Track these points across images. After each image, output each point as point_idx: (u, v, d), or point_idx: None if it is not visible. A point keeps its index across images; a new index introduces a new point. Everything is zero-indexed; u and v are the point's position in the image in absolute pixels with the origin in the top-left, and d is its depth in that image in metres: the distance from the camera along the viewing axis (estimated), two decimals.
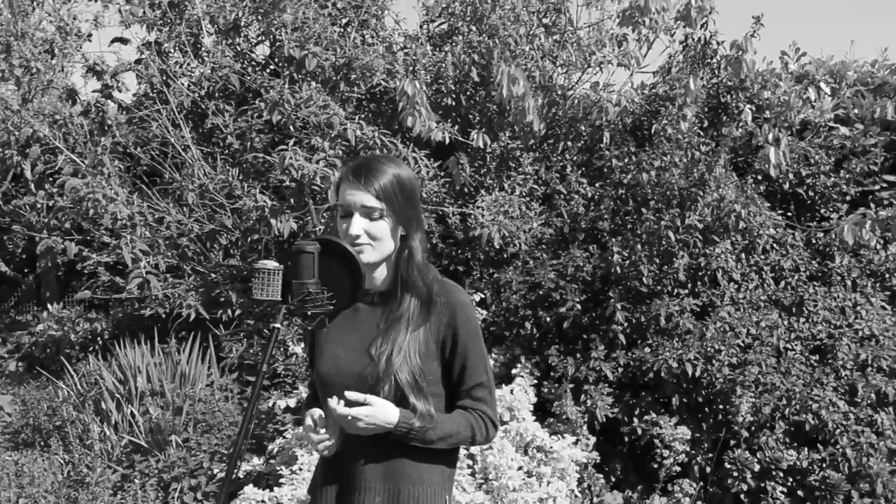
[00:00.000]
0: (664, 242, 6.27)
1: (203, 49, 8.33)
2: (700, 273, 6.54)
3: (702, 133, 7.10)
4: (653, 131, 6.92)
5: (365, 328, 2.73)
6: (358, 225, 2.64)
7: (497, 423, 2.79)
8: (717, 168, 6.31)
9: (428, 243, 2.83)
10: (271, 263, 6.43)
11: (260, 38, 8.49)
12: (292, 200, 7.28)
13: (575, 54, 7.62)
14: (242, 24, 8.03)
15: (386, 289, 2.74)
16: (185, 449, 6.41)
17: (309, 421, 2.72)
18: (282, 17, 7.47)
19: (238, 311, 7.46)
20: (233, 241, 7.80)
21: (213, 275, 7.63)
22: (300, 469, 5.58)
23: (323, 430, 2.70)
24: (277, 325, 2.52)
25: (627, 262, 6.34)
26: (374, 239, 2.65)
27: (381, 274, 2.74)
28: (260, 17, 7.63)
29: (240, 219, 7.60)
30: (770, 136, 7.24)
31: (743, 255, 6.72)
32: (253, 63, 8.53)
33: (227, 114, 8.09)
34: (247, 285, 7.65)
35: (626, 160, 6.69)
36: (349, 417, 2.57)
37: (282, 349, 7.15)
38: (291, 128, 7.22)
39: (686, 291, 6.51)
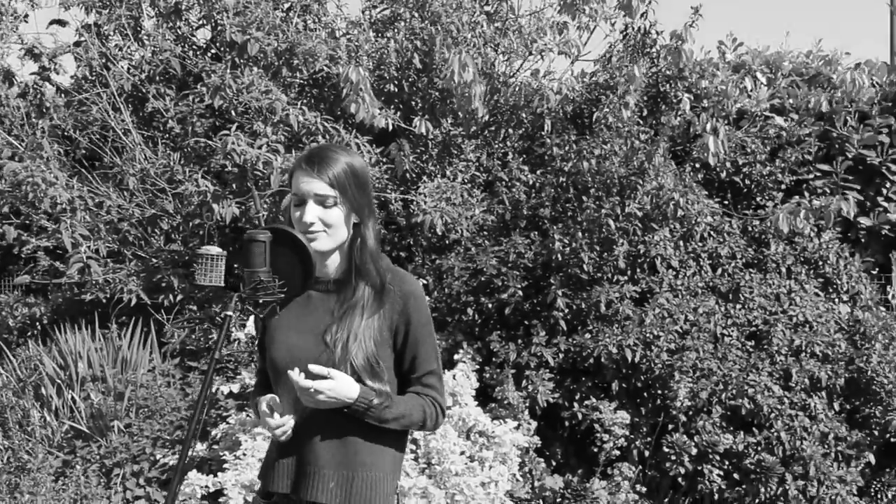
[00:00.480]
0: (605, 230, 6.36)
1: (143, 32, 8.26)
2: (639, 260, 6.64)
3: (641, 122, 7.19)
4: (594, 119, 7.00)
5: (319, 315, 2.76)
6: (312, 212, 2.67)
7: (445, 410, 2.85)
8: (656, 157, 6.41)
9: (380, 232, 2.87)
10: (214, 249, 6.43)
11: (201, 22, 8.43)
12: (234, 185, 7.27)
13: (517, 42, 7.68)
14: (184, 7, 7.96)
15: (340, 276, 2.78)
16: (127, 435, 6.39)
17: (264, 406, 2.75)
18: (223, 0, 7.43)
19: (180, 297, 7.44)
20: (174, 225, 7.76)
21: (154, 260, 7.59)
22: (244, 454, 5.59)
23: (278, 415, 2.72)
24: (230, 313, 2.54)
25: (568, 249, 6.42)
26: (327, 226, 2.68)
27: (334, 262, 2.78)
28: (202, 1, 7.58)
29: (181, 203, 7.56)
30: (708, 126, 7.37)
31: (681, 243, 6.84)
32: (194, 47, 8.48)
33: (168, 98, 8.02)
34: (188, 270, 7.62)
35: (566, 148, 6.75)
36: (311, 390, 2.59)
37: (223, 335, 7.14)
38: (233, 112, 7.20)
39: (626, 278, 6.61)
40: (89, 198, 7.41)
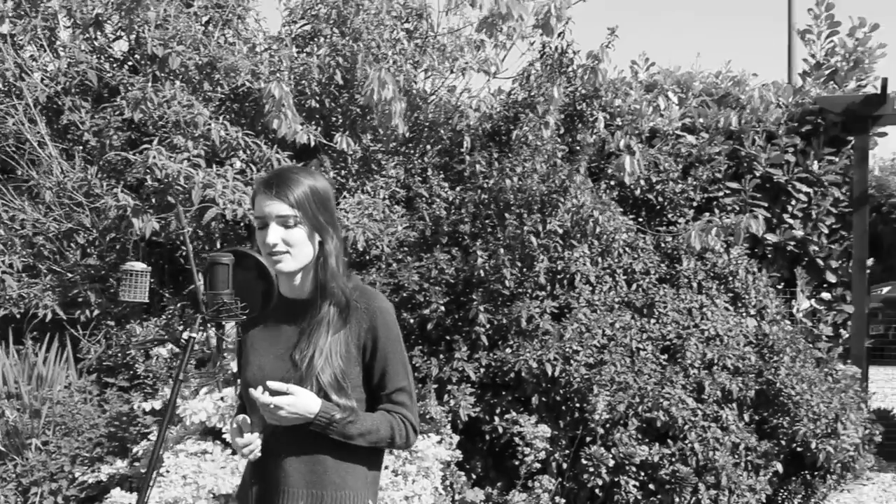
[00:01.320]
0: (527, 247, 6.48)
1: (59, 43, 8.17)
2: (559, 276, 6.77)
3: (559, 139, 7.33)
4: (513, 137, 7.12)
5: (288, 335, 2.81)
6: (275, 234, 2.72)
7: (417, 428, 2.88)
8: (577, 175, 6.55)
9: (344, 250, 2.92)
10: (138, 265, 6.40)
11: (118, 34, 8.37)
12: (154, 200, 7.23)
13: (437, 59, 7.76)
14: (104, 18, 7.90)
15: (308, 297, 2.82)
16: (44, 452, 6.31)
17: (234, 426, 2.78)
18: (145, 14, 7.40)
19: (97, 312, 7.36)
20: (90, 240, 7.68)
21: (69, 274, 7.51)
22: (167, 471, 5.58)
23: (248, 435, 2.76)
24: (193, 335, 2.57)
25: (489, 265, 6.53)
26: (291, 246, 2.73)
27: (302, 282, 2.82)
28: (122, 14, 7.52)
29: (98, 217, 7.50)
30: (622, 143, 7.56)
31: (599, 259, 6.99)
32: (111, 59, 8.41)
33: (84, 110, 7.96)
34: (105, 285, 7.56)
35: (489, 166, 6.86)
36: (271, 406, 2.64)
37: (141, 352, 7.11)
38: (151, 126, 7.17)
39: (545, 294, 6.74)
40: (3, 211, 7.31)
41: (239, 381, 2.67)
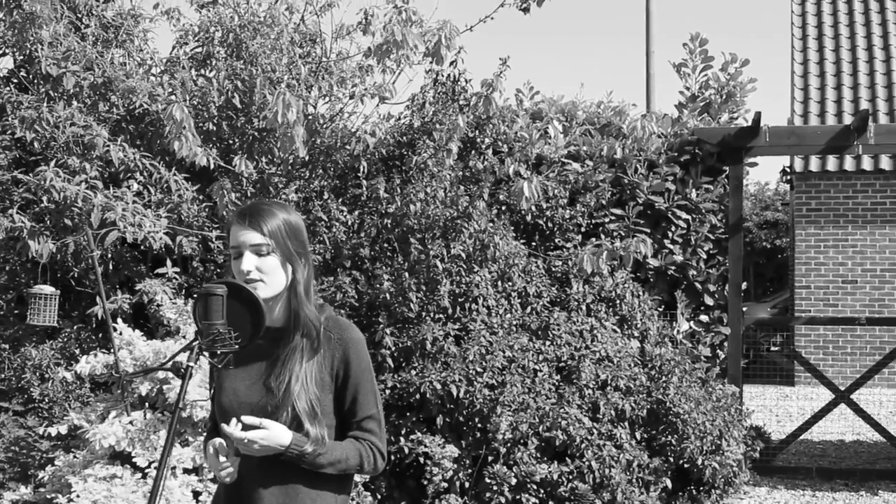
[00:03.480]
0: (431, 270, 6.62)
1: None
2: (460, 299, 6.93)
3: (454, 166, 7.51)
4: (413, 163, 7.26)
5: (261, 362, 2.89)
6: (249, 262, 2.83)
7: (384, 454, 2.99)
8: (480, 202, 6.73)
9: (314, 281, 3.01)
10: (47, 288, 6.32)
11: (4, 52, 8.21)
12: (48, 221, 7.12)
13: (333, 84, 7.85)
14: None
15: (280, 325, 2.91)
16: None
17: (211, 450, 2.84)
18: (39, 32, 7.29)
19: None
20: None
21: None
22: (77, 496, 5.51)
23: (224, 458, 2.82)
24: (191, 364, 2.62)
25: (394, 288, 6.65)
26: (264, 274, 2.84)
27: (276, 311, 2.91)
28: (15, 31, 7.39)
29: None
30: (511, 170, 7.79)
31: (498, 283, 7.18)
32: None
33: None
34: None
35: (392, 192, 6.99)
36: (245, 441, 2.72)
37: (37, 374, 6.98)
38: (38, 146, 7.07)
39: (447, 316, 6.89)
40: None
41: (180, 407, 2.72)
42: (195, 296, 2.71)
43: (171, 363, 2.65)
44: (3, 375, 7.11)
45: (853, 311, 15.39)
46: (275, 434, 2.77)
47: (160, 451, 5.72)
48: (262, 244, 2.83)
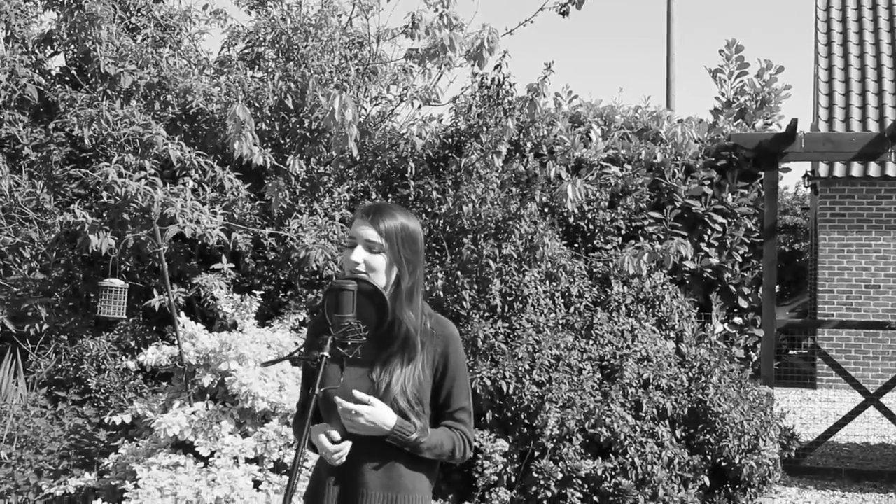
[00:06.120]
0: (483, 269, 6.80)
1: None
2: (509, 298, 7.11)
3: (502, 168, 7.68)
4: (461, 165, 7.44)
5: (365, 355, 3.07)
6: (359, 255, 3.02)
7: (473, 444, 3.21)
8: (532, 204, 6.91)
9: (421, 289, 3.19)
10: (117, 282, 6.52)
11: (57, 50, 8.41)
12: (106, 216, 7.31)
13: (387, 86, 8.04)
14: (55, 37, 7.95)
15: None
16: (9, 466, 6.34)
17: (322, 436, 3.01)
18: (98, 32, 7.48)
19: (46, 326, 7.39)
20: (35, 254, 7.70)
21: (15, 288, 7.51)
22: (144, 483, 5.70)
23: (338, 443, 3.01)
24: (325, 354, 2.80)
25: (448, 286, 6.83)
26: (370, 270, 3.02)
27: None
28: (75, 31, 7.58)
29: (44, 231, 7.55)
30: (552, 173, 7.97)
31: (547, 283, 7.36)
32: (49, 74, 8.44)
33: (21, 124, 7.99)
34: (51, 300, 7.59)
35: (443, 192, 7.17)
36: (353, 412, 2.92)
37: (94, 365, 7.17)
38: (91, 143, 7.26)
39: (497, 315, 7.07)
40: None
41: (317, 394, 2.90)
42: (325, 290, 2.89)
43: (303, 353, 2.83)
44: (60, 366, 7.30)
45: (875, 316, 15.53)
46: (380, 412, 2.97)
47: (221, 440, 5.92)
48: (375, 242, 3.02)
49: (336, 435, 3.00)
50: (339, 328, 2.82)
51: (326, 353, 2.80)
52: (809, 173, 16.64)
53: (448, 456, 3.14)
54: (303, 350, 3.04)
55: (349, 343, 2.83)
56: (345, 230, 7.41)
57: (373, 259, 3.03)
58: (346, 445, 3.00)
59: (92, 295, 7.92)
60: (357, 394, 2.97)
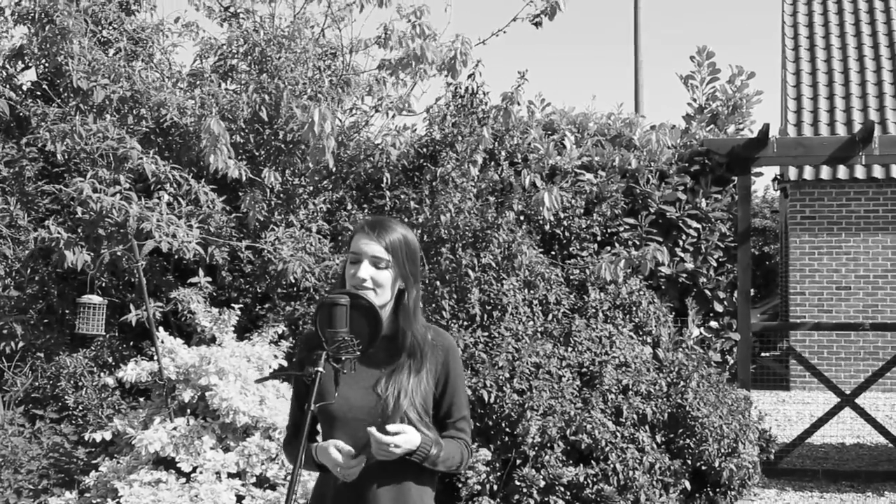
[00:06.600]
0: (462, 279, 6.81)
1: None
2: (488, 307, 7.12)
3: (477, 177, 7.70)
4: (437, 175, 7.45)
5: (371, 371, 3.08)
6: (366, 271, 3.01)
7: (472, 453, 3.21)
8: (510, 213, 6.93)
9: (420, 303, 3.19)
10: (96, 298, 6.48)
11: (28, 65, 8.36)
12: (80, 231, 7.26)
13: (362, 96, 8.04)
14: (26, 52, 7.90)
15: (385, 333, 3.09)
16: None
17: (333, 451, 2.98)
18: (69, 46, 7.44)
19: (21, 344, 7.33)
20: (8, 271, 7.63)
21: None
22: (126, 501, 5.66)
23: (352, 459, 2.98)
24: (319, 369, 2.78)
25: (428, 296, 6.83)
26: (377, 286, 3.02)
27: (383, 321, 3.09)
28: (46, 45, 7.53)
29: (18, 248, 7.49)
30: (527, 181, 7.99)
31: (525, 291, 7.37)
32: (20, 89, 8.39)
33: None
34: (25, 316, 7.53)
35: (422, 202, 7.17)
36: (391, 446, 2.90)
37: (71, 382, 7.12)
38: (63, 158, 7.22)
39: (476, 324, 7.07)
40: None
41: (312, 409, 2.88)
42: (318, 305, 2.88)
43: (298, 368, 2.82)
44: (37, 384, 7.24)
45: (846, 317, 15.66)
46: (411, 436, 2.96)
47: (203, 455, 5.89)
48: (382, 258, 3.02)
49: (350, 449, 2.98)
50: (333, 343, 2.81)
51: (321, 369, 2.79)
52: (779, 177, 16.76)
53: (457, 466, 3.15)
54: (296, 365, 3.03)
55: (343, 358, 2.82)
56: (322, 242, 7.41)
57: (379, 274, 3.03)
58: (362, 460, 2.99)
59: (67, 311, 7.87)
60: (391, 427, 2.93)
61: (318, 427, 3.18)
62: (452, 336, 6.78)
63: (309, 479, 5.44)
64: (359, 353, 2.85)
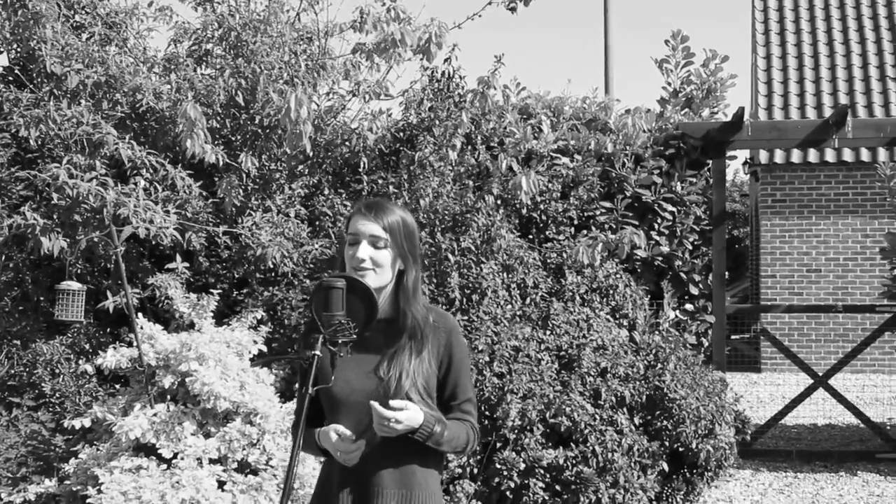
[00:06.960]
0: (442, 263, 6.81)
1: None
2: (468, 291, 7.13)
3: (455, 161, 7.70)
4: (415, 159, 7.44)
5: (371, 352, 3.08)
6: (364, 251, 3.03)
7: (479, 435, 3.23)
8: (490, 197, 6.94)
9: (420, 283, 3.20)
10: (75, 284, 6.44)
11: (1, 49, 8.26)
12: (56, 218, 7.19)
13: (338, 80, 8.01)
14: None
15: (386, 316, 3.10)
16: None
17: (334, 435, 2.99)
18: (42, 31, 7.36)
19: None
20: None
21: None
22: (107, 488, 5.63)
23: (352, 442, 2.99)
24: (317, 353, 2.78)
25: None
26: (377, 265, 3.04)
27: (382, 303, 3.09)
28: (19, 30, 7.45)
29: None
30: (504, 165, 7.99)
31: (504, 275, 7.39)
32: None
33: None
34: (0, 304, 7.47)
35: (401, 186, 7.16)
36: (392, 420, 2.90)
37: (48, 370, 7.07)
38: (36, 143, 7.17)
39: (456, 308, 7.08)
40: None
41: (310, 393, 2.88)
42: (314, 288, 2.88)
43: (296, 353, 2.82)
44: (13, 371, 7.18)
45: (817, 299, 15.81)
46: (413, 413, 2.97)
47: (183, 441, 5.87)
48: (380, 238, 3.04)
49: (350, 433, 2.98)
50: (329, 326, 2.81)
51: (318, 352, 2.79)
52: (749, 160, 16.87)
53: (462, 448, 3.16)
54: (297, 349, 3.05)
55: (340, 341, 2.82)
56: (300, 227, 7.39)
57: (378, 254, 3.05)
58: (361, 444, 2.99)
59: (42, 298, 7.81)
60: (394, 402, 2.94)
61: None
62: None
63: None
64: (355, 336, 2.85)
